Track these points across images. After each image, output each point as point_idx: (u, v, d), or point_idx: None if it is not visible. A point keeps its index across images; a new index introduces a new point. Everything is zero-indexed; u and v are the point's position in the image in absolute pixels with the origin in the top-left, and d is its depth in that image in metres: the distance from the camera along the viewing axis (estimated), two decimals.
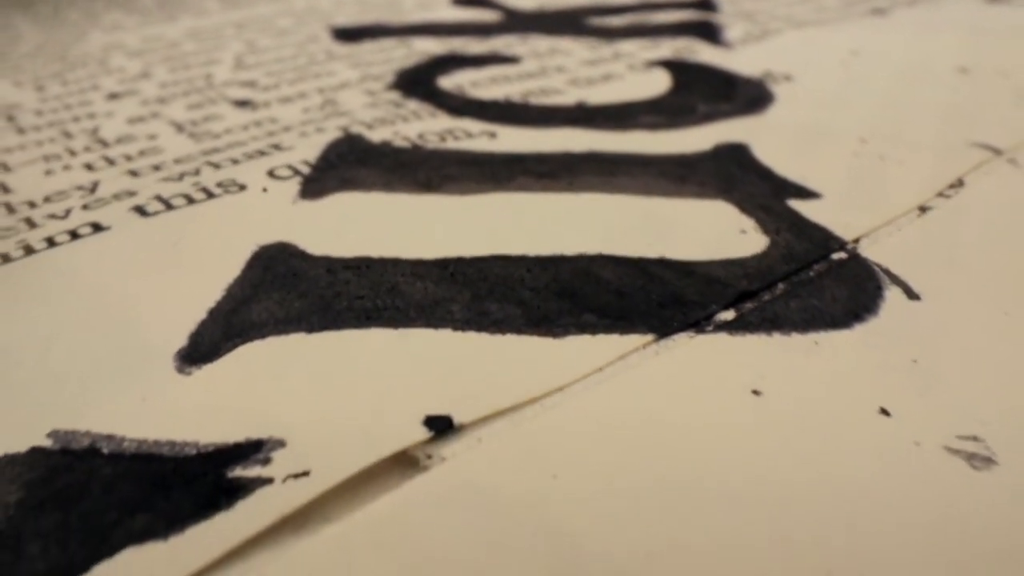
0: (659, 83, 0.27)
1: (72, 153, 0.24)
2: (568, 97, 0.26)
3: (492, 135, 0.24)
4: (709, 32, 0.32)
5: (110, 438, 0.13)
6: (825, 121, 0.24)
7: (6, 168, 0.23)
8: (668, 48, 0.31)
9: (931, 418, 0.13)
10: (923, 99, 0.26)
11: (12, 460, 0.13)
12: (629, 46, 0.31)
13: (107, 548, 0.11)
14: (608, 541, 0.11)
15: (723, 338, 0.15)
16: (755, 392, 0.14)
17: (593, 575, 0.11)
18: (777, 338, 0.15)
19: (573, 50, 0.31)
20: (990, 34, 0.33)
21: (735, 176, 0.21)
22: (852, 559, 0.11)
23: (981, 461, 0.12)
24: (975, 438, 0.13)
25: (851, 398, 0.14)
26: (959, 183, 0.21)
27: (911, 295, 0.16)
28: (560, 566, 0.11)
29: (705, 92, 0.26)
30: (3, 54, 0.34)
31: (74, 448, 0.13)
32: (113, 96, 0.28)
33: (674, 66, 0.29)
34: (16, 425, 0.13)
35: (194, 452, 0.13)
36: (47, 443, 0.13)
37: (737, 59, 0.30)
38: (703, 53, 0.30)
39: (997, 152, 0.22)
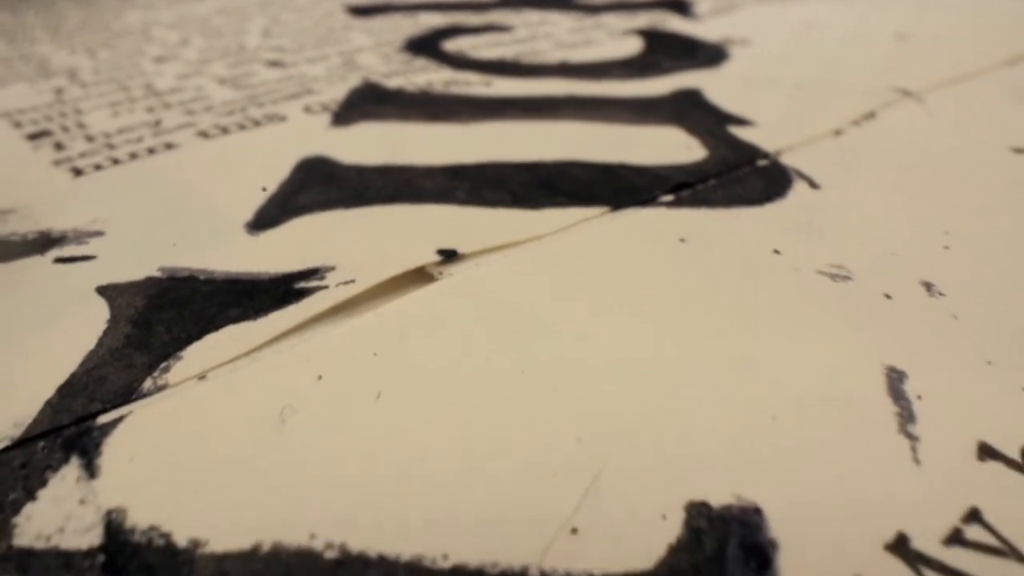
0: (632, 46, 0.33)
1: (132, 100, 0.29)
2: (553, 57, 0.32)
3: (488, 84, 0.29)
4: (680, 6, 0.38)
5: (203, 271, 0.18)
6: (769, 73, 0.30)
7: (78, 111, 0.29)
8: (644, 19, 0.36)
9: (810, 255, 0.18)
10: (858, 58, 0.31)
11: (133, 284, 0.18)
12: (610, 19, 0.37)
13: (212, 327, 0.17)
14: (558, 316, 0.16)
15: (662, 210, 0.20)
16: (681, 240, 0.19)
17: (546, 335, 0.16)
18: (704, 210, 0.20)
19: (560, 21, 0.36)
20: (934, 8, 0.39)
21: (687, 111, 0.26)
22: (740, 321, 0.16)
23: (841, 279, 0.18)
24: (840, 266, 0.18)
25: (753, 244, 0.19)
26: (871, 115, 0.26)
27: (813, 185, 0.22)
28: (526, 331, 0.16)
29: (671, 53, 0.32)
30: (53, 29, 0.40)
31: (178, 276, 0.18)
32: (159, 59, 0.34)
33: (647, 34, 0.34)
34: (133, 265, 0.19)
35: (267, 277, 0.18)
36: (158, 274, 0.18)
37: (703, 28, 0.35)
38: (673, 23, 0.36)
39: (908, 94, 0.28)
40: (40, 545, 0.12)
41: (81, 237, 0.20)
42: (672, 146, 0.24)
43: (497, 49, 0.33)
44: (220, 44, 0.35)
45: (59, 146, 0.26)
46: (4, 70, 0.34)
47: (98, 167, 0.24)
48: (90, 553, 0.12)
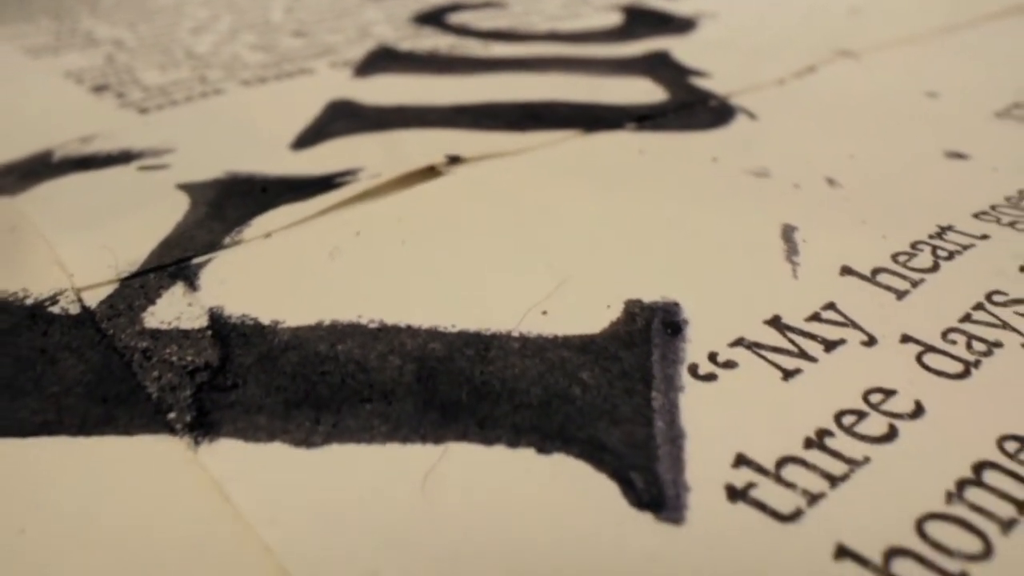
0: (614, 19, 0.39)
1: (176, 62, 0.35)
2: (544, 27, 0.38)
3: (486, 48, 0.35)
4: None
5: (260, 173, 0.24)
6: (731, 40, 0.36)
7: (130, 70, 0.35)
8: None
9: (740, 160, 0.24)
10: (812, 28, 0.38)
11: (205, 182, 0.24)
12: None
13: (272, 206, 0.22)
14: (539, 198, 0.22)
15: (626, 133, 0.26)
16: (640, 152, 0.25)
17: (529, 208, 0.22)
18: (661, 133, 0.26)
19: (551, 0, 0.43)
20: None
21: (655, 67, 0.32)
22: (679, 200, 0.22)
23: (762, 176, 0.24)
24: (762, 168, 0.24)
25: (697, 155, 0.25)
26: (812, 69, 0.32)
27: (752, 116, 0.28)
28: (514, 207, 0.22)
29: (647, 24, 0.38)
30: (91, 7, 0.46)
31: (240, 178, 0.24)
32: (194, 31, 0.40)
33: (628, 9, 0.41)
34: (202, 170, 0.25)
35: (311, 177, 0.24)
36: (222, 176, 0.24)
37: (679, 5, 0.41)
38: (653, 1, 0.42)
39: (849, 54, 0.34)
40: (164, 327, 0.18)
41: (157, 153, 0.26)
42: (639, 91, 0.30)
43: (494, 21, 0.39)
44: (247, 19, 0.41)
45: (120, 95, 0.32)
46: (56, 41, 0.40)
47: (159, 107, 0.30)
48: (201, 330, 0.18)
